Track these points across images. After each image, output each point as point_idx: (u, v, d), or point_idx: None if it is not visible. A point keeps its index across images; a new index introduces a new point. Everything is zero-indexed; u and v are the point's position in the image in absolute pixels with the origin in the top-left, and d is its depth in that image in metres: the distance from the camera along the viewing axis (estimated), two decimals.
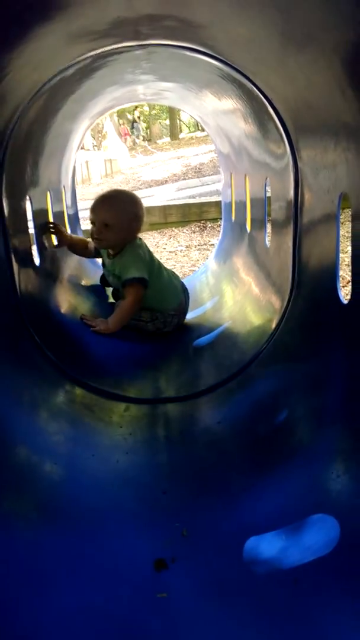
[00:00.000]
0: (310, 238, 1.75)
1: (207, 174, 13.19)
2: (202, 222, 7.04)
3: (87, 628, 1.03)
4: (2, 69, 1.36)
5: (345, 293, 1.47)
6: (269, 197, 2.31)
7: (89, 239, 2.67)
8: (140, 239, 2.59)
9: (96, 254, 2.75)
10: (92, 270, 3.15)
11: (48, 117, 2.16)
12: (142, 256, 2.50)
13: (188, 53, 1.84)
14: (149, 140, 27.10)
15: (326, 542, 1.11)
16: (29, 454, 1.38)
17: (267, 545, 1.18)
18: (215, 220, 6.92)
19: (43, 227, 2.44)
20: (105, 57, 1.90)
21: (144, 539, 1.24)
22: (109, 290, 2.85)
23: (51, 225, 2.52)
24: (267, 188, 2.37)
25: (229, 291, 2.87)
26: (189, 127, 30.55)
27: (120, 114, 25.43)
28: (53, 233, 2.54)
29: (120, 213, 2.45)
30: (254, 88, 1.86)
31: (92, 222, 2.47)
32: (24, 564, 1.09)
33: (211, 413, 1.83)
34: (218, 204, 6.91)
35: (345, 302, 1.45)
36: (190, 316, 2.82)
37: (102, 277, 2.84)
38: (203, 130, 22.40)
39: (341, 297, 1.49)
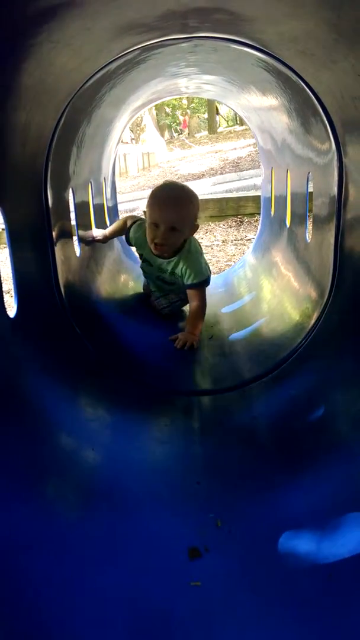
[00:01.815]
0: (354, 234, 1.73)
1: (245, 168, 13.09)
2: (239, 216, 7.01)
3: (120, 608, 1.06)
4: (52, 61, 1.39)
5: None
6: (311, 193, 2.29)
7: (122, 222, 2.58)
8: None
9: (128, 240, 2.55)
10: (132, 263, 3.18)
11: (92, 108, 2.19)
12: (201, 253, 2.41)
13: (234, 46, 1.83)
14: (187, 134, 27.06)
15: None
16: (70, 440, 1.41)
17: (302, 540, 1.18)
18: (252, 215, 6.87)
19: (84, 221, 2.47)
20: (151, 50, 1.91)
21: (178, 526, 1.26)
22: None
23: (94, 237, 2.50)
24: (309, 183, 2.35)
25: (267, 285, 2.86)
26: (227, 121, 30.34)
27: (159, 107, 25.45)
28: (96, 241, 2.53)
29: (189, 213, 2.23)
30: (301, 82, 1.84)
31: (155, 224, 2.19)
32: (64, 544, 1.12)
33: (247, 407, 1.83)
34: (256, 198, 6.86)
35: None
36: (227, 310, 2.83)
37: (145, 286, 2.71)
38: (242, 124, 22.22)
39: None
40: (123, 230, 2.54)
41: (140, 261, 2.52)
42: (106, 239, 2.59)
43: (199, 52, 2.08)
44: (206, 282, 2.33)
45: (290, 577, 1.13)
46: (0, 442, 1.15)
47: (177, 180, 3.18)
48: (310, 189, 2.30)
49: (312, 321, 2.01)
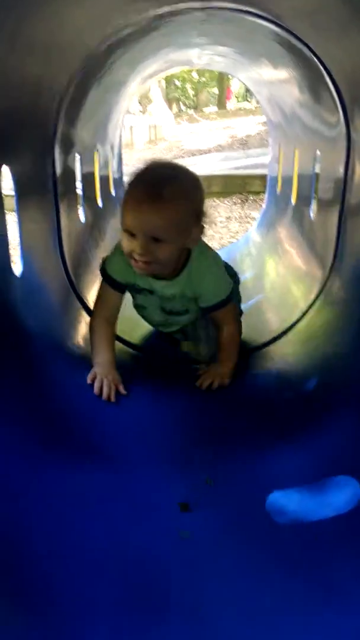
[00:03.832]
0: (357, 210, 1.75)
1: (253, 146, 12.95)
2: (244, 194, 6.98)
3: (110, 556, 1.10)
4: (65, 19, 1.38)
5: None
6: (317, 173, 2.30)
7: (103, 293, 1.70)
8: None
9: (121, 289, 1.71)
10: None
11: (103, 72, 2.18)
12: (216, 259, 1.73)
13: (248, 17, 1.82)
14: (195, 109, 26.68)
15: (346, 500, 1.15)
16: (68, 395, 1.46)
17: (289, 500, 1.23)
18: (257, 193, 6.84)
19: (90, 190, 2.47)
20: (164, 17, 1.91)
21: (170, 482, 1.31)
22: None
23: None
24: (316, 162, 2.36)
25: (270, 262, 2.88)
26: (237, 98, 29.88)
27: (168, 80, 25.03)
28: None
29: (181, 215, 1.47)
30: (313, 57, 1.84)
31: (129, 232, 1.47)
32: (59, 493, 1.17)
33: (241, 378, 1.87)
34: (262, 177, 6.82)
35: None
36: None
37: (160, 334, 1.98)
38: (250, 102, 21.90)
39: None
40: (115, 300, 1.69)
41: (132, 295, 1.79)
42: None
43: (212, 22, 2.07)
44: (231, 297, 1.71)
45: (276, 534, 1.18)
46: (1, 392, 1.19)
47: (170, 160, 2.10)
48: (317, 170, 2.32)
49: (312, 296, 2.04)
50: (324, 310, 1.91)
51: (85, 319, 1.93)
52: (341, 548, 1.07)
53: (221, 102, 25.07)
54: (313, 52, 1.84)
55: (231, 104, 24.67)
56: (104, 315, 1.66)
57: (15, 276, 1.44)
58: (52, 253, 1.82)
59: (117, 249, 1.62)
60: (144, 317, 1.87)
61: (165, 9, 1.75)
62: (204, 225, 1.59)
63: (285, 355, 1.90)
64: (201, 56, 3.01)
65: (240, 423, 1.61)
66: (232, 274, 1.88)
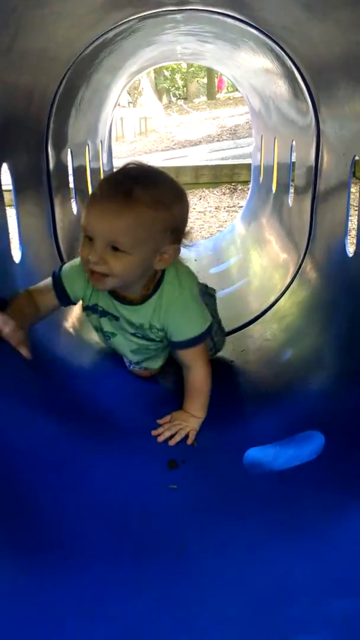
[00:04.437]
0: (326, 196, 1.92)
1: (242, 136, 13.06)
2: (233, 184, 7.12)
3: (106, 505, 1.25)
4: (55, 31, 1.53)
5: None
6: (294, 162, 2.46)
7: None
8: None
9: (63, 301, 1.45)
10: None
11: (91, 72, 2.32)
12: (193, 288, 1.47)
13: (223, 19, 1.97)
14: (185, 99, 26.65)
15: (312, 450, 1.32)
16: (61, 367, 1.62)
17: (264, 453, 1.40)
18: (245, 183, 6.98)
19: (82, 183, 2.62)
20: (146, 19, 2.05)
21: (159, 444, 1.46)
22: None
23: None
24: (292, 152, 2.51)
25: (253, 249, 3.04)
26: (228, 87, 29.86)
27: (158, 71, 24.99)
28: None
29: (149, 224, 1.25)
30: (282, 52, 2.00)
31: (87, 236, 1.26)
32: (56, 450, 1.33)
33: (229, 353, 2.04)
34: (250, 166, 6.96)
35: (351, 254, 1.63)
36: (214, 271, 3.02)
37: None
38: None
39: (347, 251, 1.67)
40: (47, 295, 1.42)
41: (93, 323, 1.56)
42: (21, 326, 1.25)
43: (190, 23, 2.22)
44: (205, 334, 1.46)
45: (251, 483, 1.35)
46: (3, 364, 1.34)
47: (149, 165, 1.38)
48: (294, 159, 2.47)
49: (289, 278, 2.21)
50: (298, 290, 2.07)
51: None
52: (308, 487, 1.24)
53: (210, 93, 25.06)
54: (282, 48, 1.99)
55: (221, 94, 24.64)
56: (29, 293, 1.40)
57: (15, 263, 1.59)
58: (48, 242, 1.98)
59: (74, 264, 1.43)
60: (111, 345, 1.60)
61: (145, 13, 1.89)
62: (180, 247, 1.35)
63: (264, 332, 2.06)
64: (185, 52, 3.16)
65: (223, 393, 1.77)
66: (210, 294, 1.75)
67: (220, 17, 1.98)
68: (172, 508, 1.29)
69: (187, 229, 1.37)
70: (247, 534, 1.17)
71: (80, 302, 1.50)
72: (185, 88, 28.82)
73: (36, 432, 1.36)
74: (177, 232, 1.33)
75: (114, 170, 3.53)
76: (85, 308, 1.48)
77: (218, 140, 13.03)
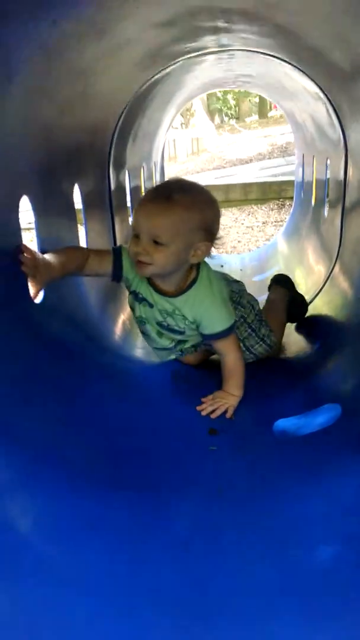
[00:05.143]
0: (352, 207, 2.16)
1: (293, 153, 13.25)
2: (281, 200, 7.36)
3: (162, 454, 1.51)
4: (115, 78, 1.88)
5: None
6: (329, 178, 2.72)
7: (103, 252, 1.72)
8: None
9: (115, 275, 1.71)
10: None
11: (145, 105, 2.68)
12: (221, 287, 1.74)
13: (260, 56, 2.28)
14: (237, 119, 27.09)
15: (329, 418, 1.57)
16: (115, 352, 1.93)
17: (289, 423, 1.65)
18: (293, 198, 7.22)
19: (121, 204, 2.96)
20: (191, 59, 2.39)
21: (199, 415, 1.73)
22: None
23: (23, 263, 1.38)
24: (327, 169, 2.77)
25: (292, 258, 3.29)
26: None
27: (210, 93, 25.56)
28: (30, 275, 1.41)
29: (184, 224, 1.52)
30: (308, 76, 2.29)
31: (136, 235, 1.54)
32: (128, 416, 1.62)
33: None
34: None
35: None
36: (257, 279, 3.28)
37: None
38: None
39: None
40: (103, 261, 1.68)
41: (131, 307, 1.81)
42: (53, 273, 1.49)
43: (233, 58, 2.53)
44: (231, 328, 1.71)
45: (278, 446, 1.59)
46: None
47: (187, 179, 1.77)
48: (329, 175, 2.73)
49: (322, 282, 2.45)
50: (330, 291, 2.32)
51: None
52: (325, 445, 1.48)
53: (262, 111, 25.37)
54: (306, 73, 2.28)
55: (275, 111, 24.91)
56: (87, 251, 1.67)
57: None
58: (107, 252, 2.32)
59: None
60: (144, 334, 1.85)
61: (190, 55, 2.23)
62: (211, 245, 1.60)
63: (297, 328, 2.31)
64: (230, 81, 3.48)
65: (258, 377, 2.02)
66: (237, 281, 2.01)
67: (257, 55, 2.28)
68: (213, 461, 1.54)
69: (219, 233, 1.63)
70: (274, 481, 1.42)
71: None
72: (237, 107, 29.30)
73: (115, 409, 1.63)
74: (208, 232, 1.58)
75: None
76: (130, 292, 1.76)
77: (269, 158, 13.28)
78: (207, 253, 1.62)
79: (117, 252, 1.69)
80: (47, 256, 1.48)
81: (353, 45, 1.63)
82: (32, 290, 1.42)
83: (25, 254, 1.36)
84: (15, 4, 1.07)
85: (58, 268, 1.51)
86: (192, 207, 1.52)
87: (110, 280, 1.73)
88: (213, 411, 1.69)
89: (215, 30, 1.92)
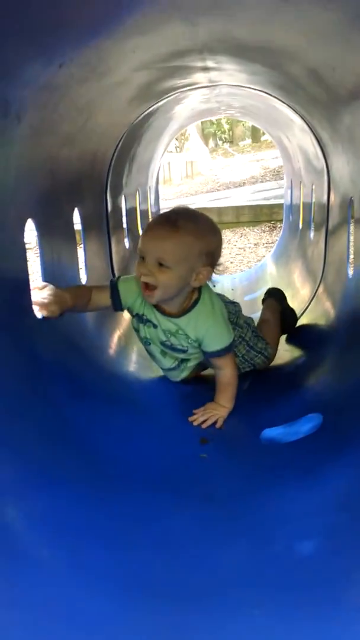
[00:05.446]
0: (334, 229, 2.32)
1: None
2: (272, 222, 7.56)
3: (157, 463, 1.62)
4: (113, 111, 2.04)
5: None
6: (314, 201, 2.88)
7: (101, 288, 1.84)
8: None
9: (116, 306, 1.83)
10: None
11: (140, 134, 2.84)
12: (222, 308, 1.85)
13: (245, 90, 2.45)
14: (231, 142, 27.59)
15: (310, 427, 1.68)
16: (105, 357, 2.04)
17: (275, 432, 1.77)
18: None
19: (133, 222, 3.11)
20: (183, 93, 2.56)
21: (193, 426, 1.84)
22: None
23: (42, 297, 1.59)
24: (313, 194, 2.93)
25: (280, 278, 3.44)
26: None
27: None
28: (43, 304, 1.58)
29: (188, 248, 1.63)
30: (293, 109, 2.46)
31: (142, 257, 1.65)
32: (120, 427, 1.73)
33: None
34: None
35: (351, 275, 2.02)
36: (248, 298, 3.42)
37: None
38: None
39: (349, 272, 2.06)
40: (103, 296, 1.81)
41: (135, 328, 1.90)
42: (62, 307, 1.63)
43: (223, 92, 2.71)
44: (231, 346, 1.83)
45: (263, 452, 1.70)
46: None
47: (194, 209, 1.90)
48: (314, 199, 2.89)
49: (307, 301, 2.59)
50: (315, 309, 2.45)
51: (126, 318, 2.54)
52: (302, 449, 1.60)
53: (255, 136, 25.87)
54: (292, 107, 2.45)
55: (266, 136, 25.36)
56: (90, 288, 1.83)
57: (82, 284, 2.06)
58: (106, 270, 2.45)
59: (130, 278, 1.81)
60: (150, 354, 1.95)
61: (182, 89, 2.39)
62: (212, 270, 1.72)
63: (283, 343, 2.44)
64: (221, 111, 3.67)
65: (247, 390, 2.14)
66: (234, 303, 2.12)
67: (243, 89, 2.45)
68: (204, 468, 1.64)
69: (220, 259, 1.76)
70: (259, 483, 1.53)
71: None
72: (230, 132, 29.85)
73: (110, 420, 1.73)
74: (210, 257, 1.70)
75: (161, 210, 4.06)
76: (133, 315, 1.87)
77: (261, 182, 13.54)
78: (208, 277, 1.72)
79: (113, 285, 1.82)
80: (59, 290, 1.63)
81: (328, 79, 1.80)
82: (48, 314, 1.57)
83: (44, 290, 1.56)
84: (27, 51, 1.22)
85: (70, 302, 1.65)
86: (196, 233, 1.63)
87: (113, 310, 1.86)
88: (204, 421, 1.79)
89: (205, 69, 2.09)
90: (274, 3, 1.29)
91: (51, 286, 1.61)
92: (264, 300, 2.51)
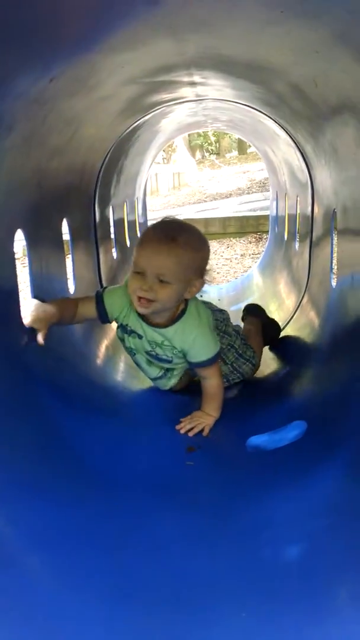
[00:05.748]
0: (318, 241, 2.36)
1: None
2: (259, 233, 7.64)
3: (144, 470, 1.64)
4: (101, 125, 2.07)
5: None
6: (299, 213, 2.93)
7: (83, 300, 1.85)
8: None
9: (102, 318, 1.84)
10: None
11: (128, 147, 2.88)
12: (209, 319, 1.85)
13: (231, 105, 2.50)
14: (218, 154, 27.86)
15: (295, 435, 1.71)
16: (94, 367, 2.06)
17: (260, 439, 1.79)
18: None
19: (120, 233, 3.13)
20: (170, 107, 2.61)
21: (180, 434, 1.86)
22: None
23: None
24: (297, 206, 2.99)
25: (266, 288, 3.49)
26: None
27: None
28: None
29: (187, 263, 1.65)
30: (278, 124, 2.51)
31: (139, 272, 1.65)
32: (110, 435, 1.74)
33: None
34: None
35: (334, 285, 2.06)
36: (234, 308, 3.46)
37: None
38: None
39: (332, 283, 2.10)
40: (88, 308, 1.82)
41: (120, 338, 1.91)
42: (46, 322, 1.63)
43: (209, 106, 2.76)
44: (217, 356, 1.84)
45: (249, 459, 1.73)
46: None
47: (181, 219, 2.01)
48: (298, 211, 2.95)
49: (293, 311, 2.63)
50: (300, 318, 2.49)
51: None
52: (287, 457, 1.63)
53: (242, 148, 26.17)
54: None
55: (252, 148, 25.62)
56: (75, 301, 1.83)
57: (70, 293, 2.08)
58: (94, 279, 2.47)
59: (115, 290, 1.84)
60: (136, 363, 1.97)
61: (169, 103, 2.44)
62: (203, 280, 1.74)
63: (269, 352, 2.47)
64: (208, 124, 3.73)
65: (232, 400, 2.17)
66: (222, 311, 2.15)
67: (228, 104, 2.50)
68: (191, 475, 1.66)
69: (207, 267, 1.78)
70: (244, 489, 1.55)
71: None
72: (217, 144, 30.17)
73: (98, 428, 1.75)
74: (202, 269, 1.73)
75: (148, 221, 4.09)
76: (118, 326, 1.88)
77: (248, 193, 13.69)
78: (200, 289, 1.75)
79: (98, 297, 1.83)
80: (45, 305, 1.66)
81: (311, 95, 1.85)
82: (39, 337, 1.58)
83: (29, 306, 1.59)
84: (18, 66, 1.25)
85: (57, 316, 1.67)
86: (193, 248, 1.67)
87: (101, 323, 1.88)
88: (191, 429, 1.81)
89: (192, 84, 2.14)
90: (261, 21, 1.33)
91: (37, 302, 1.63)
92: (243, 319, 2.52)
